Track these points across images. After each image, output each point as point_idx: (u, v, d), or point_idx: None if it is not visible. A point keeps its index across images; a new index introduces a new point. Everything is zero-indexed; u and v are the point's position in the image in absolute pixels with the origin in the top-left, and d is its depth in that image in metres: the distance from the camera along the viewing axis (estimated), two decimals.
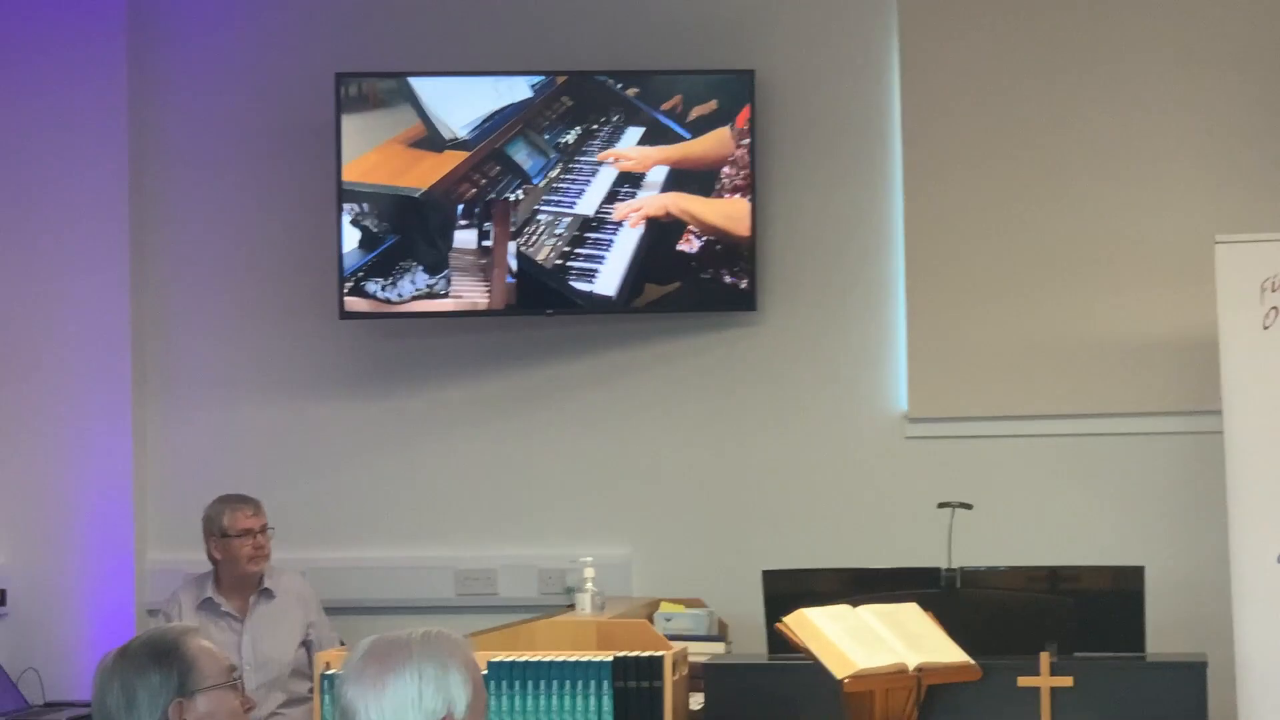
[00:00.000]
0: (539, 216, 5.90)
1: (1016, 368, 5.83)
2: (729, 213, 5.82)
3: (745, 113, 5.83)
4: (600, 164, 5.88)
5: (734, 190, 5.79)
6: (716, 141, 5.85)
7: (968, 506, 5.17)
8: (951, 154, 5.86)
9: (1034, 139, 5.81)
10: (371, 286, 5.85)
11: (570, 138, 5.91)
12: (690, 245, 5.84)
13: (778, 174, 5.92)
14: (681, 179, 5.85)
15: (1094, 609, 4.84)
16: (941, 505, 5.17)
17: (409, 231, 5.88)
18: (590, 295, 5.88)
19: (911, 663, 4.38)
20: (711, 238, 5.82)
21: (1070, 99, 5.80)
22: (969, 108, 5.86)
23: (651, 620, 5.12)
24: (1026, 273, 5.83)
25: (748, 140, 5.83)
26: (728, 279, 5.84)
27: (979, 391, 5.84)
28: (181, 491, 5.94)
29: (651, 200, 5.84)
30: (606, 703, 4.31)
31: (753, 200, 5.80)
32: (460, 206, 5.88)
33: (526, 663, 4.38)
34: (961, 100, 5.87)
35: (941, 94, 5.87)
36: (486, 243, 5.85)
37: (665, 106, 5.86)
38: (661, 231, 5.84)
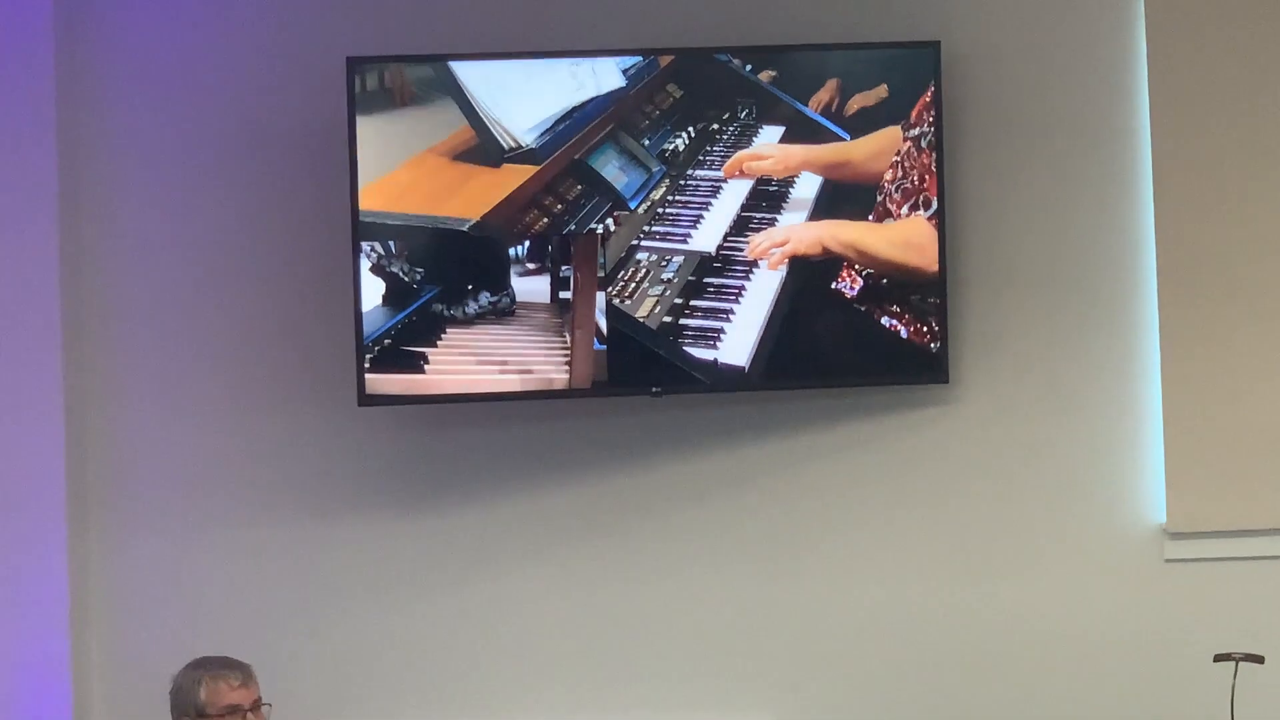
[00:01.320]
0: (638, 256, 5.43)
1: None
2: (905, 238, 5.31)
3: (924, 100, 5.34)
4: (724, 180, 5.39)
5: (902, 198, 5.28)
6: (887, 144, 5.36)
7: (1258, 659, 4.73)
8: (1229, 161, 5.36)
9: None
10: (404, 353, 5.41)
11: (680, 143, 5.46)
12: (850, 284, 5.36)
13: (973, 187, 5.48)
14: (839, 195, 5.37)
15: None
16: (1219, 658, 4.77)
17: (455, 280, 5.43)
18: (713, 367, 5.38)
19: None
20: (882, 275, 5.41)
21: None
22: (1253, 93, 5.32)
23: None
24: None
25: (922, 132, 5.27)
26: (905, 334, 5.33)
27: (1269, 496, 5.38)
28: (138, 654, 5.52)
29: (800, 231, 5.35)
30: None
31: (940, 220, 5.31)
32: (526, 244, 5.43)
33: None
34: (1240, 84, 5.33)
35: (1207, 78, 5.36)
36: (564, 294, 5.41)
37: (815, 96, 5.38)
38: (812, 272, 5.38)
